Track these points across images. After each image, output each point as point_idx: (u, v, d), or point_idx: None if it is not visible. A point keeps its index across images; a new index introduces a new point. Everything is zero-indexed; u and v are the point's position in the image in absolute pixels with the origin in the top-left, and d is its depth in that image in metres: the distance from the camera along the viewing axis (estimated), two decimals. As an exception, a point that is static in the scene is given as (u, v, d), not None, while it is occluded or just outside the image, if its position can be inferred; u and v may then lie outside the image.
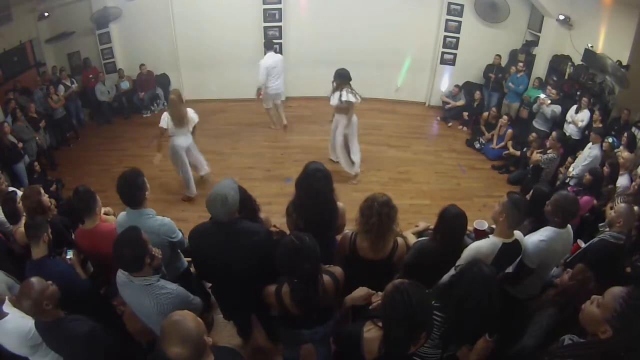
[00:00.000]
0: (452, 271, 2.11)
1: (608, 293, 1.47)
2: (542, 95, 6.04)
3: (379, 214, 2.17)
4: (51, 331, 1.99)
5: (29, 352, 2.08)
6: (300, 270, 1.86)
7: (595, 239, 2.76)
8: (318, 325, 2.16)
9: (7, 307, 2.12)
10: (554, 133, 5.10)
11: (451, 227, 2.27)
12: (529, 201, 2.92)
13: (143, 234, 2.02)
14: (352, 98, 5.03)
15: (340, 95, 5.01)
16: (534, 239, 2.41)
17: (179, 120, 4.59)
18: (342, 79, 5.05)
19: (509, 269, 2.52)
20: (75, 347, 1.95)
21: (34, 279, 1.96)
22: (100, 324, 2.06)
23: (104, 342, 2.00)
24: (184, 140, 4.79)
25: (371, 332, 1.66)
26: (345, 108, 5.15)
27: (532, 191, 3.12)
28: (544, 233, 2.43)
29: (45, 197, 2.97)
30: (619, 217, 2.69)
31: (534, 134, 5.85)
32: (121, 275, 2.05)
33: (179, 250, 2.74)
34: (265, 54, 6.31)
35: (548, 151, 5.05)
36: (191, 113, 4.74)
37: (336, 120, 5.37)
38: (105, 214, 3.03)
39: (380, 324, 1.67)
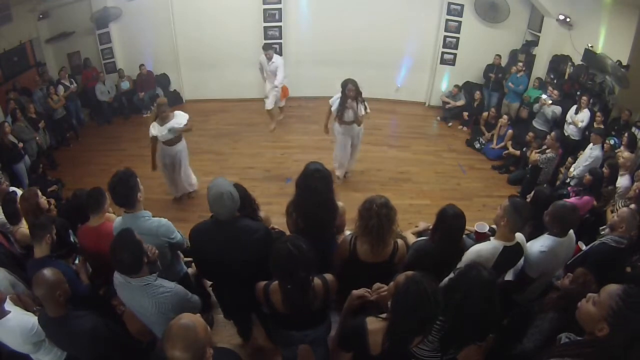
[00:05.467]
0: (452, 274, 2.10)
1: (604, 291, 1.46)
2: (544, 96, 6.04)
3: (378, 215, 2.14)
4: (56, 327, 1.98)
5: (32, 349, 2.07)
6: (295, 277, 1.87)
7: (596, 242, 2.74)
8: (309, 328, 2.15)
9: (8, 305, 2.12)
10: (552, 133, 5.10)
11: (449, 227, 2.26)
12: (530, 203, 2.91)
13: (136, 235, 2.01)
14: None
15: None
16: (534, 249, 2.37)
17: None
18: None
19: (510, 277, 2.51)
20: (80, 343, 1.96)
21: (52, 269, 1.96)
22: (104, 319, 2.07)
23: (108, 337, 2.01)
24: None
25: (374, 325, 1.67)
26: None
27: (533, 193, 3.10)
28: (545, 242, 2.38)
29: (42, 199, 2.96)
30: (621, 222, 2.66)
31: (531, 134, 5.85)
32: (118, 276, 2.04)
33: (179, 252, 2.72)
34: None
35: (547, 151, 5.04)
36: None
37: None
38: (105, 213, 3.02)
39: (381, 316, 1.68)
